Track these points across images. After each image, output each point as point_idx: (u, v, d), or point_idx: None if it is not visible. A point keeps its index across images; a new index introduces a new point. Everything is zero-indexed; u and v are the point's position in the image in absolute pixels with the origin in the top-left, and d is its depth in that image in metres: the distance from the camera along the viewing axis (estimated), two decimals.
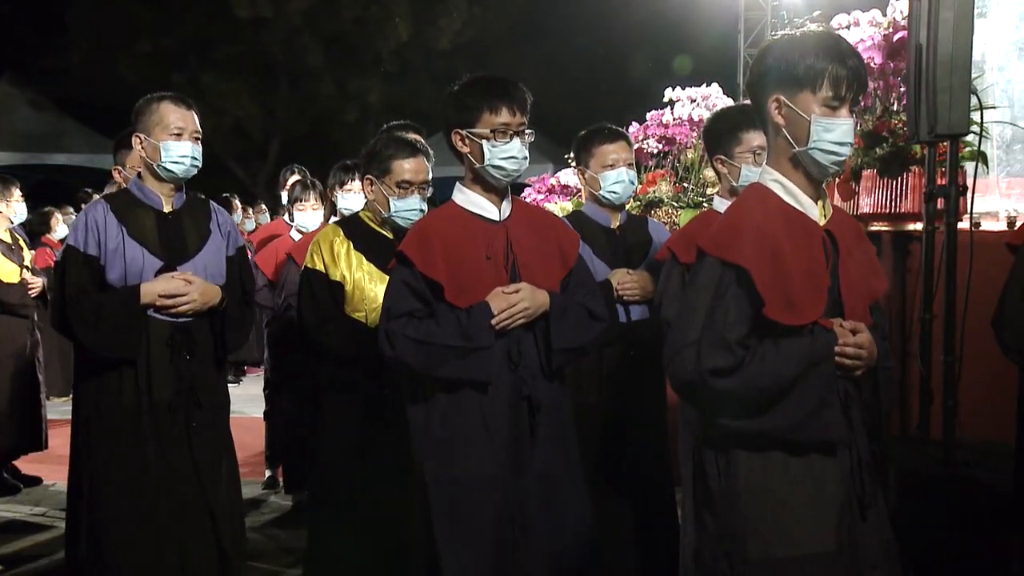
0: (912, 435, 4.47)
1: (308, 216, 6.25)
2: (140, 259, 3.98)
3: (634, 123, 7.21)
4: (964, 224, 4.31)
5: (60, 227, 10.27)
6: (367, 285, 4.09)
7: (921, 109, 4.17)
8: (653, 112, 7.08)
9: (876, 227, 5.08)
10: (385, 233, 4.17)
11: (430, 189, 4.20)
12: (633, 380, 4.25)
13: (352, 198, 5.48)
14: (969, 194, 4.22)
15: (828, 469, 2.58)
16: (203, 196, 4.41)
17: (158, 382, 3.96)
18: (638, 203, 6.72)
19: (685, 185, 6.87)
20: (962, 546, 3.77)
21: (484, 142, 3.31)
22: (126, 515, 3.91)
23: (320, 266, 4.15)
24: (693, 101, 6.94)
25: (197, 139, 4.07)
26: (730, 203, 3.67)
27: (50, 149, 16.71)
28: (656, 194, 6.76)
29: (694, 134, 6.90)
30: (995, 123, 5.39)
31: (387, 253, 3.82)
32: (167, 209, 4.08)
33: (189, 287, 3.97)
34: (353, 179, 5.51)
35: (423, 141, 4.21)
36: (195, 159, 4.05)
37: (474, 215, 3.40)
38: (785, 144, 2.65)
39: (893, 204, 5.12)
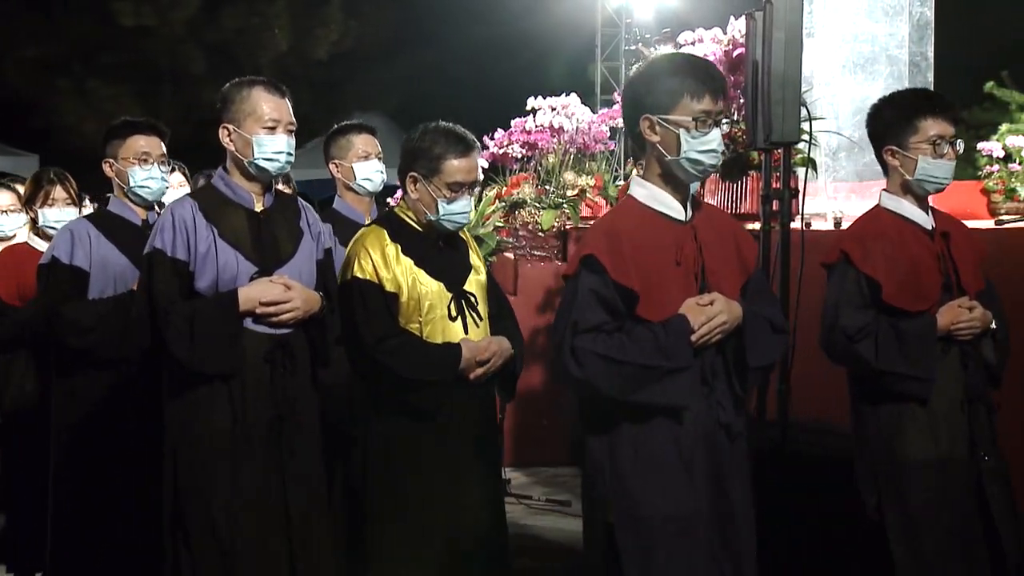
0: (751, 416, 4.58)
1: None
2: (234, 264, 3.32)
3: (499, 129, 7.21)
4: (796, 224, 4.42)
5: None
6: (420, 293, 3.37)
7: (758, 119, 4.26)
8: (517, 119, 7.09)
9: None
10: (431, 236, 3.47)
11: (477, 188, 3.70)
12: None
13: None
14: (801, 196, 4.33)
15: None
16: (290, 192, 3.80)
17: (256, 403, 3.30)
18: (503, 204, 6.74)
19: (547, 188, 6.90)
20: (798, 514, 3.86)
21: (682, 131, 2.71)
22: (213, 553, 3.28)
23: (371, 274, 3.36)
24: (554, 109, 6.98)
25: (291, 131, 3.43)
26: (903, 200, 3.39)
27: None
28: (520, 195, 6.79)
29: (555, 140, 6.94)
30: (823, 132, 5.55)
31: (436, 257, 3.43)
32: (259, 208, 3.44)
33: (291, 293, 3.33)
34: None
35: (471, 135, 3.54)
36: (290, 154, 3.41)
37: (659, 214, 2.81)
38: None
39: (734, 205, 5.23)
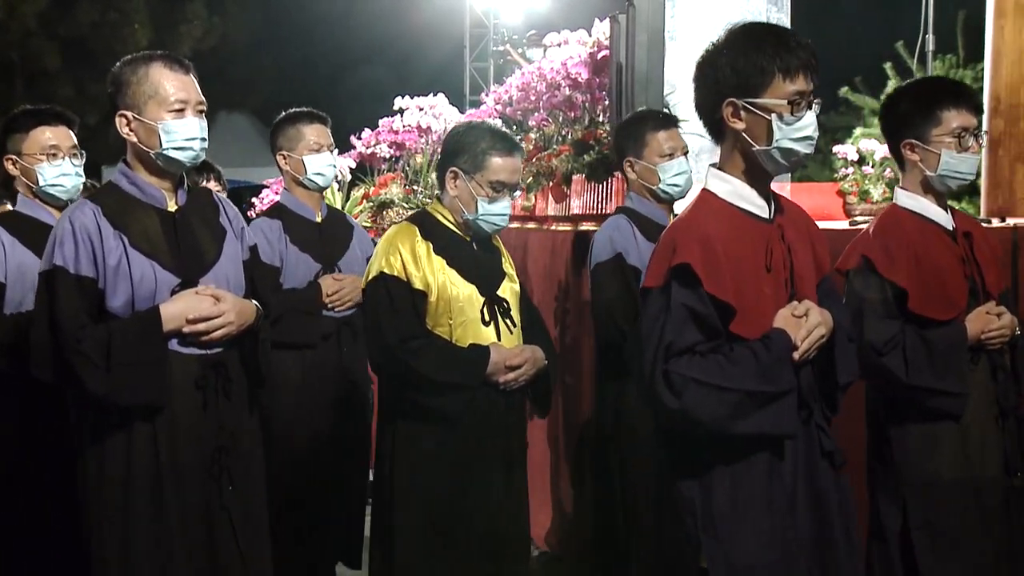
0: None
1: None
2: (151, 276, 2.83)
3: (367, 129, 7.18)
4: None
5: None
6: (451, 295, 3.23)
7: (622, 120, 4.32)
8: (385, 119, 7.06)
9: (585, 226, 5.23)
10: (465, 236, 3.35)
11: (517, 192, 3.48)
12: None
13: None
14: None
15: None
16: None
17: (188, 438, 2.83)
18: (370, 204, 6.70)
19: (415, 188, 6.89)
20: None
21: (773, 116, 2.36)
22: None
23: (399, 271, 3.22)
24: (421, 109, 6.99)
25: (202, 111, 2.93)
26: (923, 198, 3.08)
27: None
28: (387, 196, 6.77)
29: (423, 140, 6.94)
30: (685, 134, 5.65)
31: (469, 259, 3.31)
32: (172, 207, 2.94)
33: (222, 306, 2.85)
34: None
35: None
36: (204, 140, 2.90)
37: (745, 212, 2.46)
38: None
39: (600, 206, 5.27)
